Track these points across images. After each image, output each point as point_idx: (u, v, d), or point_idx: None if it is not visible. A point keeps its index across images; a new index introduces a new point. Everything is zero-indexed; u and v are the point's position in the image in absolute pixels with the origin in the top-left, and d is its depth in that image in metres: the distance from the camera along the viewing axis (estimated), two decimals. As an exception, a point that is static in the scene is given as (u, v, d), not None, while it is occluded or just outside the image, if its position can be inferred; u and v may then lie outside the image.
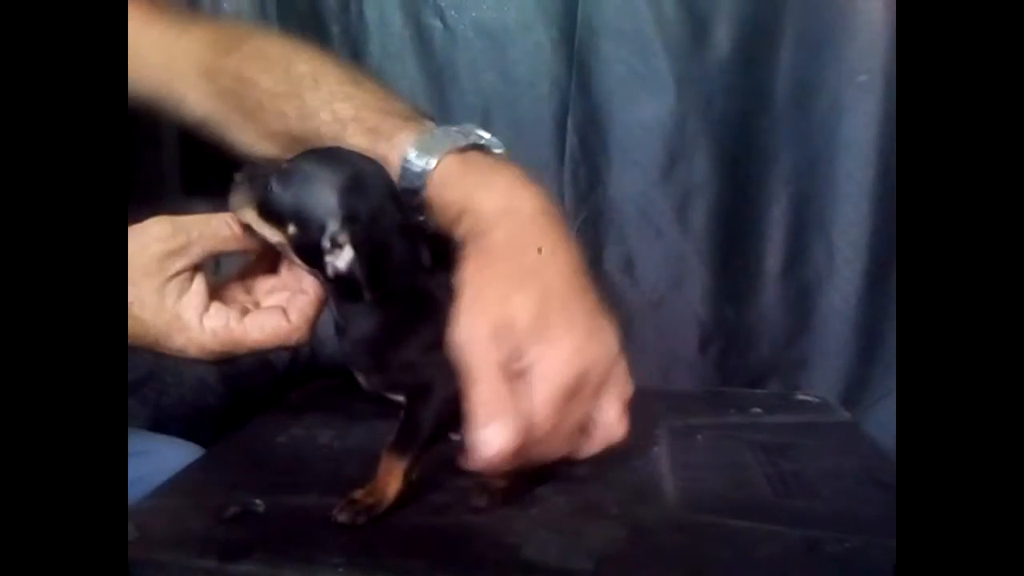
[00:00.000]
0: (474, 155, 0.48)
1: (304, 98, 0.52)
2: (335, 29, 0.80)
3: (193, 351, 0.48)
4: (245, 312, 0.49)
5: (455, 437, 0.59)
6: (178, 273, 0.47)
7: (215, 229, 0.48)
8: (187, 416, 0.80)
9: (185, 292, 0.47)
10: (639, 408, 0.56)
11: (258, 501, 0.47)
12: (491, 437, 0.38)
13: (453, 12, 0.78)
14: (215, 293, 0.49)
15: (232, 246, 0.49)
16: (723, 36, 0.75)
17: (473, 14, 0.78)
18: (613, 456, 0.53)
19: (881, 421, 0.74)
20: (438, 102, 0.80)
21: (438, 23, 0.79)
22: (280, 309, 0.50)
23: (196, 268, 0.48)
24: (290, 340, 0.49)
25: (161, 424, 0.76)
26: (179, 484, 0.51)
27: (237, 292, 0.51)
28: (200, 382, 0.84)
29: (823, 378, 0.79)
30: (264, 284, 0.52)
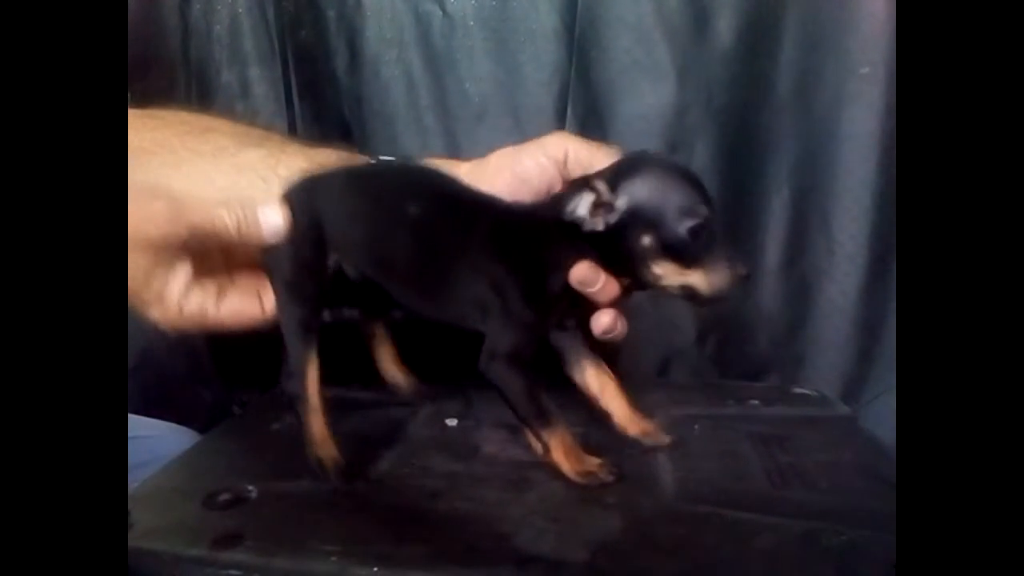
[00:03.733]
0: None
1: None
2: (331, 14, 0.79)
3: (164, 325, 0.50)
4: (222, 289, 0.51)
5: (450, 423, 0.59)
6: (170, 254, 0.48)
7: (220, 222, 0.48)
8: (180, 403, 0.80)
9: (171, 272, 0.48)
10: (638, 397, 0.55)
11: (250, 487, 0.46)
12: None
13: (453, -1, 0.78)
14: (196, 261, 0.49)
15: (231, 238, 0.49)
16: (724, 27, 0.74)
17: (473, 1, 0.77)
18: (610, 444, 0.52)
19: (880, 417, 0.74)
20: (436, 90, 0.79)
21: (438, 10, 0.78)
22: (256, 293, 0.51)
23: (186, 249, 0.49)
24: (259, 326, 0.51)
25: (153, 411, 0.76)
26: (171, 471, 0.51)
27: (216, 260, 0.52)
28: (194, 368, 0.83)
29: (821, 373, 0.79)
30: (246, 253, 0.52)
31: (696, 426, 0.59)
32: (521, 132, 0.75)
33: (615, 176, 0.46)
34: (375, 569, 0.38)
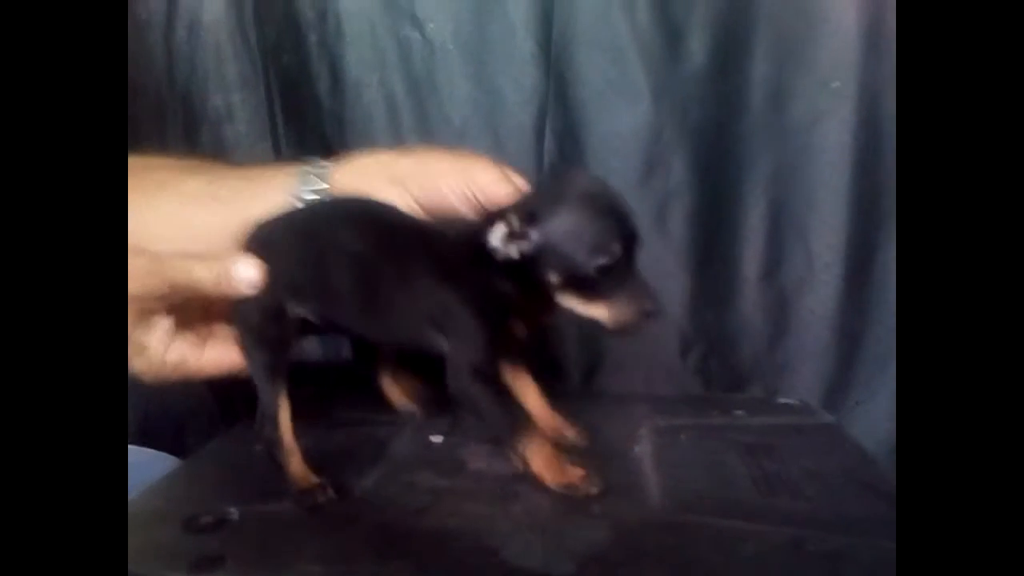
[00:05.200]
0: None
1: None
2: (312, 38, 0.80)
3: (148, 378, 0.50)
4: (202, 338, 0.52)
5: (435, 440, 0.58)
6: (150, 307, 0.48)
7: (197, 277, 0.49)
8: (174, 422, 0.79)
9: (154, 326, 0.49)
10: (622, 409, 0.56)
11: (232, 509, 0.46)
12: None
13: (432, 24, 0.79)
14: (176, 314, 0.50)
15: (210, 291, 0.49)
16: (697, 45, 0.76)
17: (452, 25, 0.79)
18: (596, 455, 0.52)
19: (863, 423, 0.75)
20: (417, 112, 0.80)
21: (417, 35, 0.79)
22: (236, 341, 0.52)
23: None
24: (241, 373, 0.52)
25: (148, 431, 0.74)
26: (152, 495, 0.50)
27: (196, 310, 0.52)
28: (187, 388, 0.82)
29: (803, 382, 0.79)
30: (223, 305, 0.52)
31: (682, 436, 0.59)
32: (501, 152, 0.76)
33: (535, 207, 0.46)
34: (360, 587, 0.37)
